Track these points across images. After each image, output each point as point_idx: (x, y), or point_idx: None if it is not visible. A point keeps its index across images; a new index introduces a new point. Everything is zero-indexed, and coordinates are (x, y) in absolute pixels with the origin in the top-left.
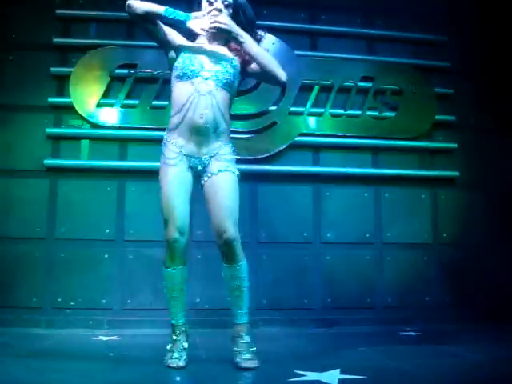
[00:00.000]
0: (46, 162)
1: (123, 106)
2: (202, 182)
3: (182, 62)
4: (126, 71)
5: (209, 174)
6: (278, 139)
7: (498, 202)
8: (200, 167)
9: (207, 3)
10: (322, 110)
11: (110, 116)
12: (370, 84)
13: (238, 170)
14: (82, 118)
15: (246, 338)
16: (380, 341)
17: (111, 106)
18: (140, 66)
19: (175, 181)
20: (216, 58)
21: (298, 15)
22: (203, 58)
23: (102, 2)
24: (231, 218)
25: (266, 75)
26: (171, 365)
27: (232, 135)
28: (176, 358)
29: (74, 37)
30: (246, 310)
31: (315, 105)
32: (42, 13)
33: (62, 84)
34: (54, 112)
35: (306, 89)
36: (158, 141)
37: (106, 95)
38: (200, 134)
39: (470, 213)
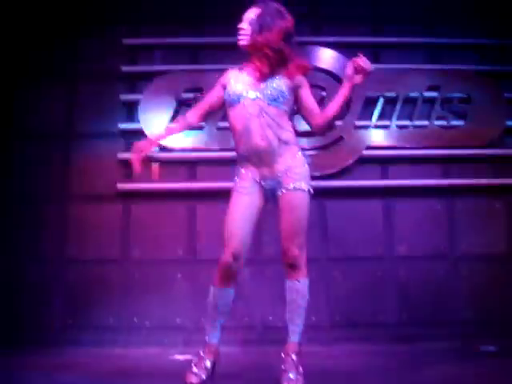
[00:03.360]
0: (118, 185)
1: (191, 129)
2: (277, 195)
3: (229, 89)
4: (191, 95)
5: (283, 190)
6: (344, 154)
7: None
8: (276, 185)
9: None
10: (389, 123)
11: (179, 139)
12: (436, 93)
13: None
14: None
15: (294, 357)
16: (458, 357)
17: None
18: (205, 89)
19: (242, 208)
20: (259, 77)
21: (359, 28)
22: (247, 81)
23: (166, 30)
24: (297, 238)
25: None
26: (186, 379)
27: None
28: (193, 374)
29: (141, 64)
30: (299, 328)
31: (381, 117)
32: (109, 42)
33: (131, 110)
34: (125, 137)
35: (370, 102)
36: (226, 162)
37: (173, 119)
38: (266, 154)
39: None
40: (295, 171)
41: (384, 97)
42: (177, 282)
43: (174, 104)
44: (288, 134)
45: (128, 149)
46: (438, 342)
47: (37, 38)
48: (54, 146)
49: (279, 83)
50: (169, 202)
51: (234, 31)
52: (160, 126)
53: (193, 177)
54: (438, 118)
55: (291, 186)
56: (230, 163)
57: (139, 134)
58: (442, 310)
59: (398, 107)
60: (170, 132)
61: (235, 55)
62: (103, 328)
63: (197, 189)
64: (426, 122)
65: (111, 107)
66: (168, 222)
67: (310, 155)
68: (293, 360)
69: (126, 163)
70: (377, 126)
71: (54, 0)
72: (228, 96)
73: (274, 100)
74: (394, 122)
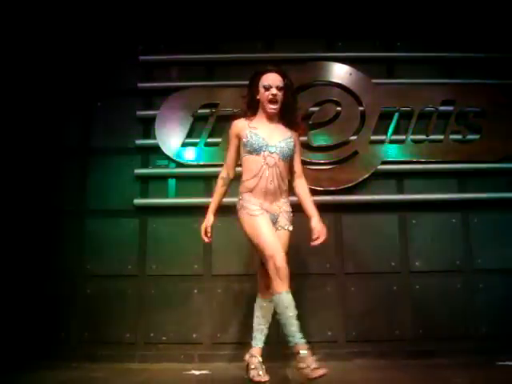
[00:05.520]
0: (135, 201)
1: (207, 145)
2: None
3: (250, 138)
4: (207, 110)
5: (279, 227)
6: (360, 168)
7: None
8: (273, 220)
9: (263, 89)
10: (404, 137)
11: (195, 154)
12: (451, 107)
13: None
14: (168, 157)
15: None
16: (475, 371)
17: (195, 145)
18: (221, 105)
19: (267, 225)
20: (278, 135)
21: (373, 44)
22: (268, 136)
23: (182, 46)
24: None
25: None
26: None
27: (314, 167)
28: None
29: (157, 81)
30: None
31: (396, 132)
32: (126, 60)
33: (147, 126)
34: (142, 153)
35: (385, 117)
36: (241, 176)
37: (189, 135)
38: (271, 194)
39: None
40: (286, 215)
41: (399, 111)
42: (193, 297)
43: (190, 120)
44: (286, 186)
45: (144, 164)
46: (454, 356)
47: (55, 58)
48: (71, 161)
49: (290, 142)
50: (185, 217)
51: (248, 48)
52: (176, 141)
53: (209, 192)
54: (453, 132)
55: (286, 226)
56: None
57: (155, 149)
58: (458, 325)
59: (413, 122)
60: (219, 200)
61: (249, 71)
62: (120, 343)
63: None
64: (441, 137)
65: (128, 123)
66: (184, 237)
67: (326, 170)
68: None
69: (143, 179)
70: (392, 141)
71: (70, 19)
72: (251, 145)
73: (286, 156)
74: (409, 137)
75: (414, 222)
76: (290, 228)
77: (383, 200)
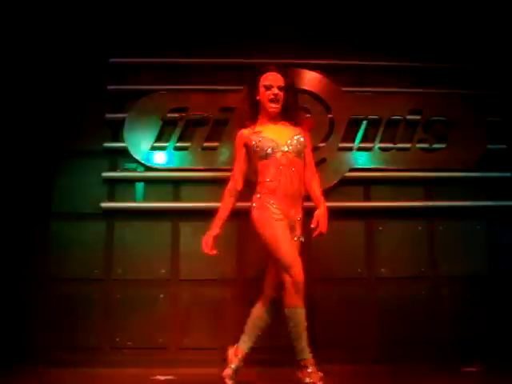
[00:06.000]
0: (102, 204)
1: (176, 149)
2: None
3: (260, 143)
4: (177, 114)
5: (295, 238)
6: (328, 175)
7: None
8: (290, 228)
9: (264, 89)
10: (371, 145)
11: (163, 158)
12: (418, 116)
13: None
14: (137, 161)
15: None
16: (440, 378)
17: (164, 148)
18: (191, 109)
19: (287, 233)
20: (286, 133)
21: (344, 52)
22: (276, 136)
23: (152, 49)
24: None
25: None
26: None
27: None
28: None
29: (127, 84)
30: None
31: (364, 140)
32: (95, 62)
33: (116, 129)
34: (110, 156)
35: (354, 124)
36: (210, 181)
37: (158, 138)
38: (290, 197)
39: None
40: (300, 224)
41: (367, 119)
42: (159, 302)
43: (159, 123)
44: (304, 191)
45: (112, 168)
46: (419, 363)
47: (22, 59)
48: (37, 163)
49: (300, 138)
50: (152, 222)
51: (220, 52)
52: (145, 145)
53: (177, 196)
54: (420, 141)
55: (301, 238)
56: (214, 183)
57: (124, 152)
58: (423, 331)
59: (380, 130)
60: (226, 213)
61: (221, 76)
62: (85, 348)
63: (181, 208)
64: (408, 145)
65: (96, 126)
66: (151, 242)
67: None
68: None
69: (110, 182)
70: (360, 148)
71: (39, 21)
72: (262, 149)
73: (299, 153)
74: (377, 145)
75: (380, 228)
76: (303, 240)
77: (350, 207)
